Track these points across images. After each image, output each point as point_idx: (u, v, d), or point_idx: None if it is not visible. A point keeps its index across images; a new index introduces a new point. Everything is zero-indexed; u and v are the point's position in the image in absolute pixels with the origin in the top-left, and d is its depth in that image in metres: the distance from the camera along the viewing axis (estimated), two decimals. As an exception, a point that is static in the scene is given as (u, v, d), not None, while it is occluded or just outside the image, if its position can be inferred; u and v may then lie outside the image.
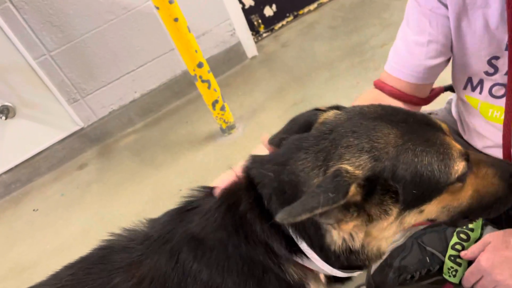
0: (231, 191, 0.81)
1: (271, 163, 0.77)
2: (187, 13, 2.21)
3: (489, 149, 1.24)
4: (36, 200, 2.89)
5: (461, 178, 0.76)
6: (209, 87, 2.38)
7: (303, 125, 0.83)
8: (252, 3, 3.48)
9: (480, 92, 1.17)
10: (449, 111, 1.47)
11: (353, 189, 0.64)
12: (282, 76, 3.07)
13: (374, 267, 1.37)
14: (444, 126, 0.80)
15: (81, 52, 2.83)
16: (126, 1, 2.75)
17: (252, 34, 3.54)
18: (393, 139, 0.71)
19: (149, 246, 0.82)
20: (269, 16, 3.65)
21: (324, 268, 0.78)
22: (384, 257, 0.81)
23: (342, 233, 0.72)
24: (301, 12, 3.77)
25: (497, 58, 1.06)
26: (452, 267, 1.31)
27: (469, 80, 1.20)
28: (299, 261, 0.78)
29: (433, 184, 0.72)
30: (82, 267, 0.86)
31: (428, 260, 1.35)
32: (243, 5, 3.42)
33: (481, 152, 1.30)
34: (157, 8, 2.08)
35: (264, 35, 3.69)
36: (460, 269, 1.30)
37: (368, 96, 1.32)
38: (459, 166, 0.74)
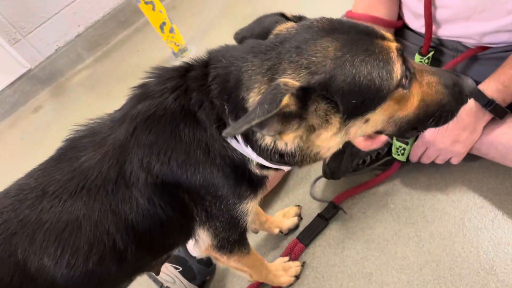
0: (188, 67, 0.86)
1: (229, 54, 0.82)
2: None
3: (423, 28, 1.31)
4: (-4, 148, 2.85)
5: (403, 84, 0.77)
6: (153, 8, 2.30)
7: (262, 31, 0.86)
8: None
9: None
10: None
11: (286, 99, 0.67)
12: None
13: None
14: (387, 34, 0.82)
15: (13, -14, 2.64)
16: None
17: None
18: (332, 52, 0.73)
19: (111, 127, 0.89)
20: None
21: (251, 155, 0.85)
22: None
23: (282, 142, 0.78)
24: None
25: None
26: (400, 146, 1.42)
27: None
28: (231, 143, 0.85)
29: (374, 92, 0.74)
30: (51, 160, 0.92)
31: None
32: None
33: (418, 33, 1.37)
34: None
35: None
36: (407, 147, 1.41)
37: None
38: (398, 69, 0.75)
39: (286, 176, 1.66)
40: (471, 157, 1.32)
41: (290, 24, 0.84)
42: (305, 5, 2.49)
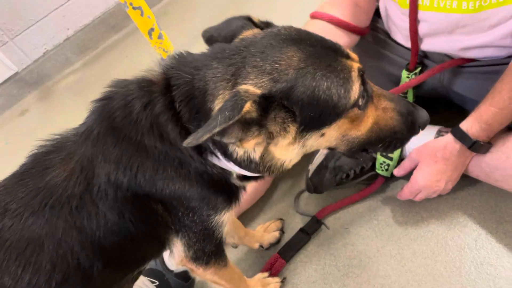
0: (149, 90, 0.82)
1: (190, 66, 0.80)
2: None
3: (407, 41, 1.30)
4: (-20, 152, 2.80)
5: (359, 104, 0.78)
6: (142, 14, 2.26)
7: (229, 33, 0.84)
8: None
9: None
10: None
11: (248, 105, 0.66)
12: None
13: (311, 170, 1.44)
14: (352, 54, 0.82)
15: (0, -12, 2.61)
16: None
17: (187, -43, 3.36)
18: (296, 62, 0.73)
19: (76, 141, 0.86)
20: None
21: (233, 168, 0.84)
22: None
23: (243, 149, 0.77)
24: None
25: None
26: (384, 162, 1.40)
27: None
28: (212, 160, 0.84)
29: (331, 107, 0.74)
30: (14, 176, 0.89)
31: (361, 158, 1.43)
32: None
33: (404, 46, 1.36)
34: None
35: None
36: (391, 163, 1.39)
37: (311, 29, 1.35)
38: (356, 89, 0.76)
39: (270, 190, 1.63)
40: (455, 175, 1.30)
41: (256, 30, 0.84)
42: (296, 14, 2.47)
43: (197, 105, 0.77)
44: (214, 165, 0.84)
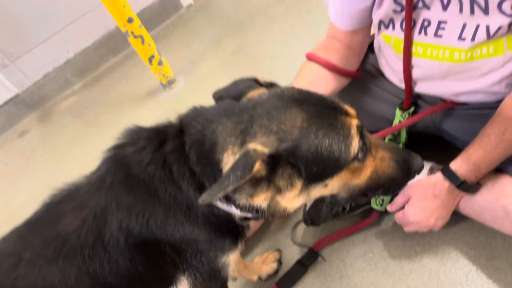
0: (162, 134, 0.89)
1: (202, 118, 0.86)
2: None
3: (401, 83, 1.36)
4: (-21, 173, 2.82)
5: (359, 157, 0.85)
6: (143, 42, 2.33)
7: (237, 93, 0.92)
8: None
9: (393, 29, 1.26)
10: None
11: (257, 165, 0.72)
12: (219, 24, 3.03)
13: (308, 203, 1.49)
14: (351, 111, 0.89)
15: (3, 13, 2.65)
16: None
17: (186, -19, 3.43)
18: (299, 122, 0.79)
19: (89, 190, 0.90)
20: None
21: (236, 212, 0.90)
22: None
23: (253, 203, 0.82)
24: (234, -46, 3.65)
25: None
26: (379, 196, 1.45)
27: (381, 21, 1.28)
28: (217, 203, 0.89)
29: (333, 162, 0.81)
30: (28, 224, 0.93)
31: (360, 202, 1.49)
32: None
33: (398, 87, 1.41)
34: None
35: (198, -19, 3.57)
36: (386, 198, 1.44)
37: (309, 73, 1.40)
38: (355, 144, 0.83)
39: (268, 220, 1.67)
40: (447, 211, 1.35)
41: (262, 90, 0.91)
42: (287, 44, 2.53)
43: (205, 152, 0.83)
44: (219, 208, 0.90)
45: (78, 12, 2.87)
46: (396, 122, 1.43)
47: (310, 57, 1.42)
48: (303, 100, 0.83)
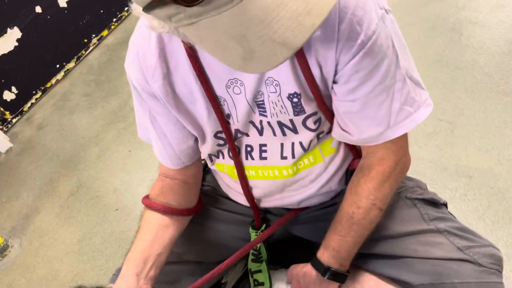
0: None
1: None
2: None
3: (246, 202, 1.37)
4: None
5: None
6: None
7: None
8: (-15, 94, 3.08)
9: (223, 158, 1.28)
10: None
11: None
12: (48, 164, 2.78)
13: None
14: None
15: None
16: None
17: (-2, 126, 3.13)
18: None
19: None
20: (11, 100, 3.27)
21: None
22: None
23: None
24: (48, 84, 3.50)
25: (220, 132, 1.18)
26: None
27: (210, 155, 1.29)
28: None
29: None
30: None
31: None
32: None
33: (246, 206, 1.42)
34: None
35: (14, 120, 3.29)
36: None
37: (151, 225, 1.30)
38: None
39: None
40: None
41: None
42: (128, 172, 2.43)
43: None
44: None
45: None
46: (252, 240, 1.42)
47: (149, 205, 1.34)
48: None
